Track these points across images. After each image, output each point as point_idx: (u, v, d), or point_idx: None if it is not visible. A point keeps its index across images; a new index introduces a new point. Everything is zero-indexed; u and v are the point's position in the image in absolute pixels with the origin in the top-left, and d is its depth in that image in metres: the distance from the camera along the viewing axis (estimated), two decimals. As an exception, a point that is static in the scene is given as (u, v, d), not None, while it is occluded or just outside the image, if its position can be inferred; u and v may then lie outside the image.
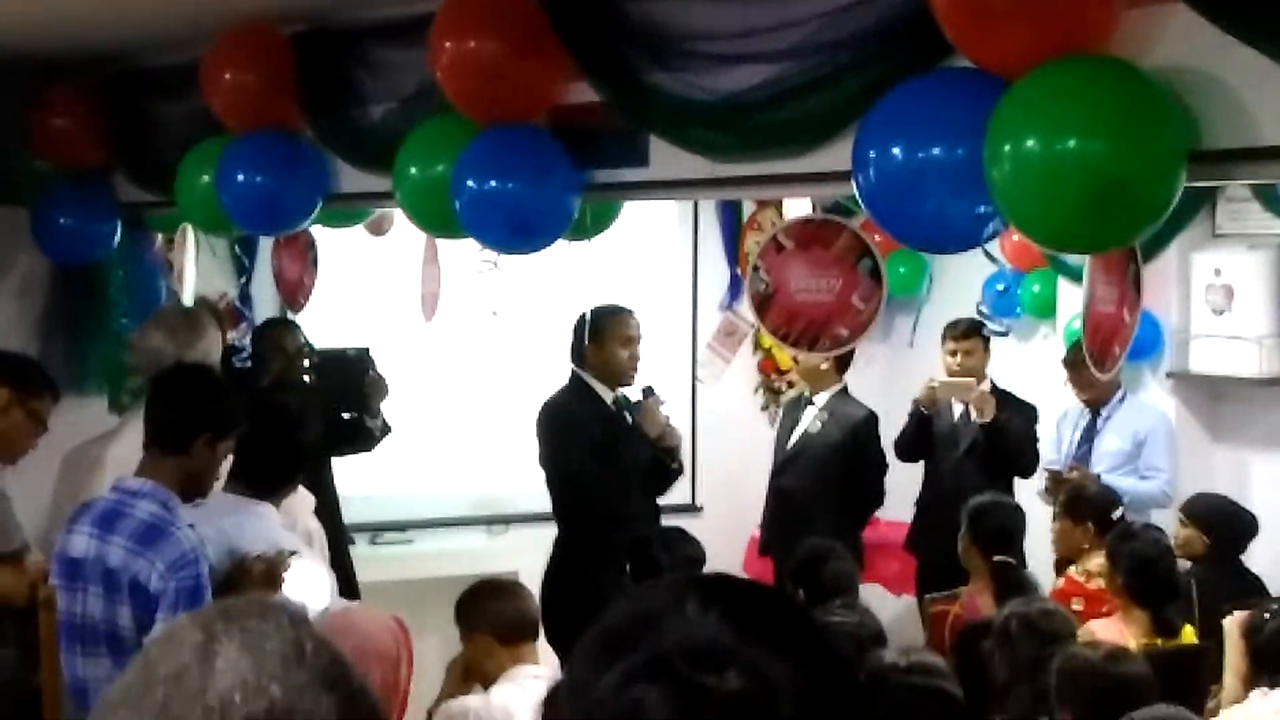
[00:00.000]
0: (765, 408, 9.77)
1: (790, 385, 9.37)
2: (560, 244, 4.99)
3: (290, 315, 7.48)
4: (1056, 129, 3.08)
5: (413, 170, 4.94)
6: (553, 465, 6.79)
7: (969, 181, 3.27)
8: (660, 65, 4.24)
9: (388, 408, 7.28)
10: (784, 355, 9.48)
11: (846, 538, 7.10)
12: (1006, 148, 3.15)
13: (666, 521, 6.85)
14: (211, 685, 1.33)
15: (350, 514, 7.48)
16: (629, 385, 6.80)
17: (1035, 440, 7.91)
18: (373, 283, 8.22)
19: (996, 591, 6.12)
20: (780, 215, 8.85)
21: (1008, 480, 7.75)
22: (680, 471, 7.11)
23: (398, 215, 5.31)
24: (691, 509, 8.61)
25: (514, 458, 7.87)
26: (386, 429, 7.25)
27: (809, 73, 3.83)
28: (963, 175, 3.30)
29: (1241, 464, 8.18)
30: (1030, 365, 8.82)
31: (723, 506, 8.82)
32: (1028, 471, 7.84)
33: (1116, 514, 6.70)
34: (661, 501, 7.09)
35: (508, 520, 8.86)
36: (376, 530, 8.56)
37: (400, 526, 8.71)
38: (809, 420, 7.98)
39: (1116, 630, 5.61)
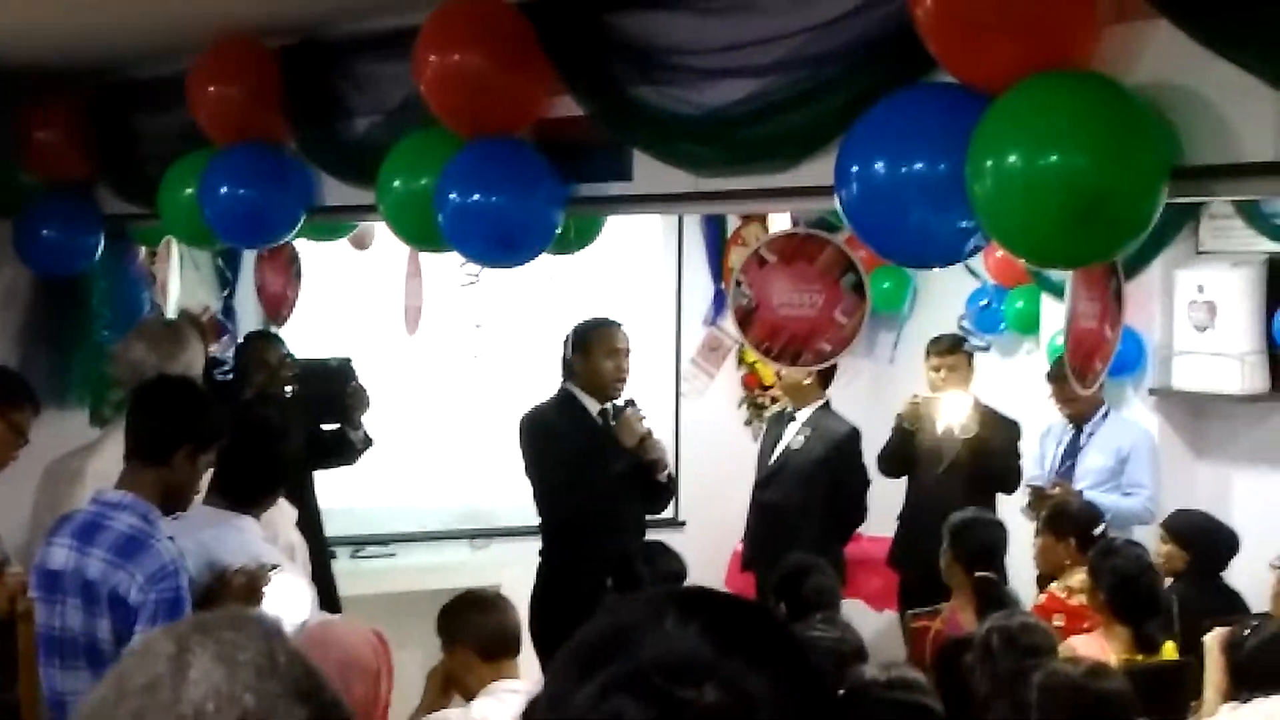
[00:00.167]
0: (749, 423, 9.77)
1: (774, 400, 9.36)
2: (544, 258, 4.99)
3: (273, 329, 7.46)
4: (1038, 144, 3.08)
5: (396, 183, 4.94)
6: (531, 476, 6.81)
7: (951, 196, 3.27)
8: (644, 79, 4.24)
9: (370, 420, 7.26)
10: (768, 370, 9.49)
11: (829, 553, 7.11)
12: (989, 163, 3.15)
13: (649, 536, 6.84)
14: (185, 695, 1.33)
15: (332, 527, 7.46)
16: (616, 398, 6.79)
17: (1018, 456, 7.92)
18: (356, 296, 8.21)
19: (978, 607, 6.12)
20: (765, 230, 8.86)
21: (990, 496, 7.75)
22: (671, 485, 7.10)
23: (380, 229, 5.30)
24: (674, 523, 8.60)
25: (497, 471, 7.87)
26: (368, 441, 7.23)
27: (793, 87, 3.83)
28: (945, 190, 3.30)
29: (1224, 480, 8.20)
30: (1013, 381, 8.82)
31: (705, 521, 8.82)
32: (1010, 487, 7.84)
33: (1098, 530, 6.70)
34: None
35: (491, 534, 8.84)
36: (359, 543, 8.54)
37: (383, 540, 8.69)
38: (792, 435, 7.98)
39: (1098, 646, 5.61)
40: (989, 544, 6.50)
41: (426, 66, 4.63)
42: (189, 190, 5.78)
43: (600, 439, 6.70)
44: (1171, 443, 8.27)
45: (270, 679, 1.37)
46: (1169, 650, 5.73)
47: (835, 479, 7.84)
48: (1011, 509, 7.64)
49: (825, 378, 7.87)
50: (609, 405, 6.78)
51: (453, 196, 4.68)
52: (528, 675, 5.00)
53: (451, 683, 5.02)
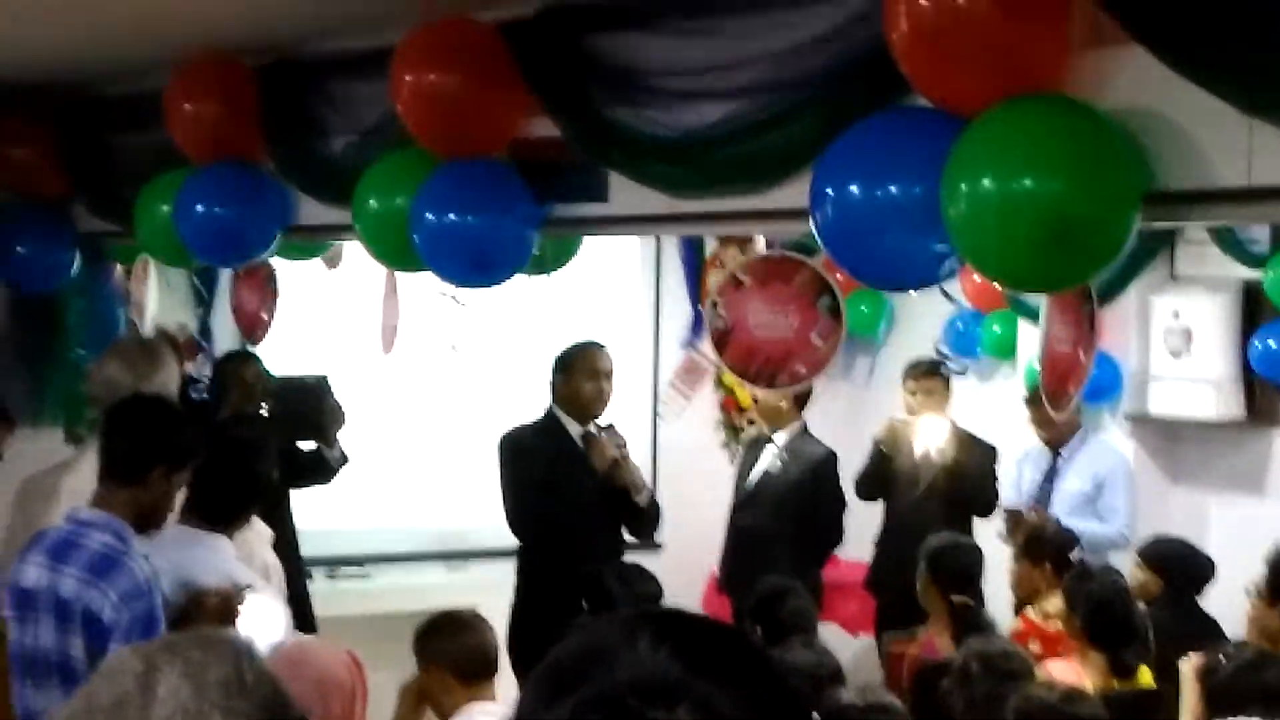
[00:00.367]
0: (726, 445, 9.77)
1: (751, 423, 9.37)
2: (521, 279, 4.99)
3: (250, 347, 7.45)
4: (1012, 168, 3.08)
5: (372, 203, 4.94)
6: (503, 495, 6.81)
7: (926, 220, 3.27)
8: (621, 100, 4.25)
9: (347, 440, 7.25)
10: (745, 393, 9.47)
11: (806, 576, 7.10)
12: (963, 186, 3.16)
13: (626, 558, 6.83)
14: (152, 713, 1.33)
15: (309, 548, 7.45)
16: (597, 419, 6.79)
17: (995, 480, 7.93)
18: (332, 315, 8.20)
19: (955, 632, 6.12)
20: (743, 252, 8.86)
21: (967, 520, 7.76)
22: (652, 510, 7.04)
23: (351, 248, 5.30)
24: (651, 546, 8.58)
25: (475, 492, 7.85)
26: (344, 459, 7.22)
27: (768, 110, 3.84)
28: (920, 213, 3.30)
29: (1199, 506, 8.22)
30: (990, 405, 8.84)
31: (682, 544, 8.80)
32: (987, 511, 7.85)
33: (1074, 555, 6.71)
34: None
35: (467, 555, 8.82)
36: (335, 564, 8.51)
37: (359, 561, 8.66)
38: (769, 459, 7.98)
39: (1073, 671, 5.61)
40: (965, 568, 6.50)
41: (403, 86, 4.63)
42: (165, 208, 5.77)
43: (578, 461, 6.69)
44: (1147, 468, 8.29)
45: (238, 697, 1.37)
46: (1145, 676, 5.73)
47: (812, 502, 7.83)
48: (988, 533, 7.64)
49: (801, 401, 7.87)
50: (591, 427, 6.78)
51: (428, 217, 4.68)
52: (507, 696, 4.98)
53: (427, 702, 5.00)
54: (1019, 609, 6.82)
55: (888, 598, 7.88)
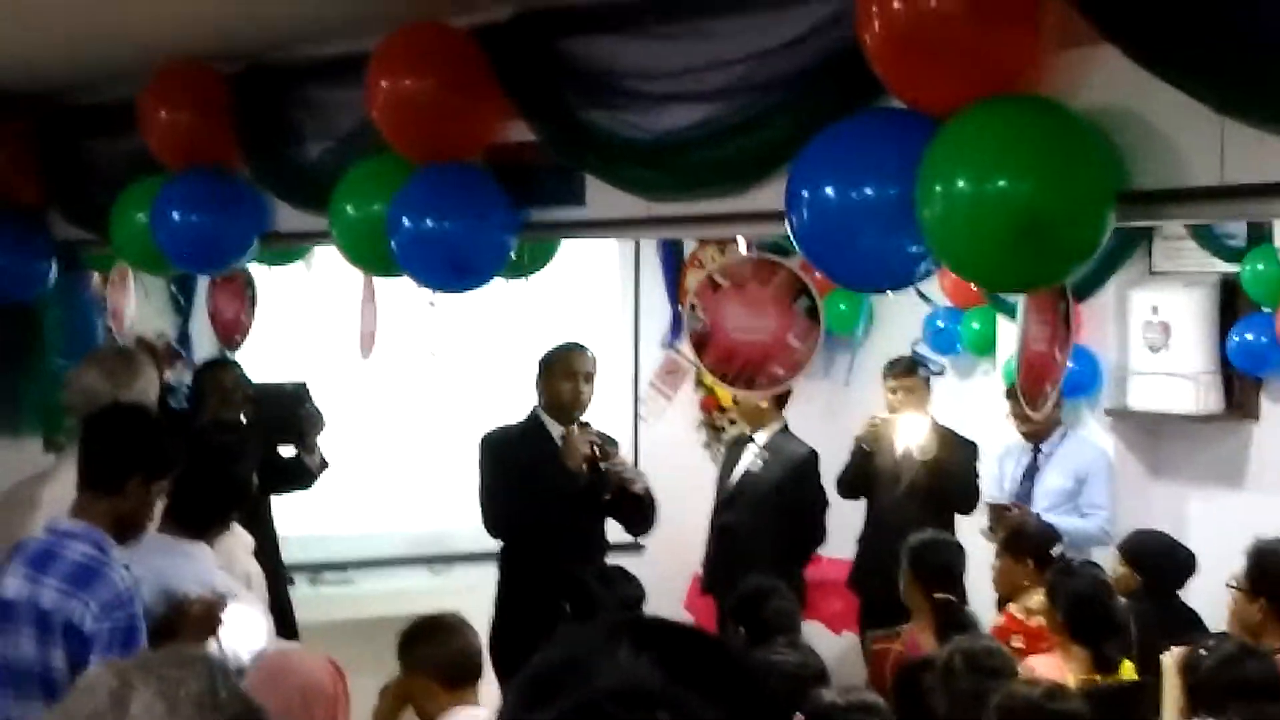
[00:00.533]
0: (707, 445, 9.77)
1: (732, 423, 9.37)
2: (499, 282, 4.99)
3: (228, 354, 7.44)
4: (986, 169, 3.09)
5: (349, 209, 4.93)
6: (480, 495, 6.83)
7: (900, 221, 3.28)
8: (596, 104, 4.25)
9: (327, 446, 7.25)
10: (725, 393, 9.47)
11: (788, 576, 7.10)
12: (937, 187, 3.16)
13: (608, 560, 6.83)
14: (126, 730, 1.33)
15: (290, 554, 7.44)
16: (576, 420, 6.80)
17: (976, 477, 7.94)
18: (310, 320, 8.18)
19: (938, 629, 6.13)
20: (722, 252, 8.87)
21: (949, 517, 7.77)
22: (647, 499, 7.01)
23: (332, 253, 5.29)
24: (633, 547, 8.55)
25: (455, 496, 7.84)
26: (324, 465, 7.22)
27: (743, 112, 3.84)
28: (894, 215, 3.31)
29: (1180, 500, 8.25)
30: (971, 402, 8.86)
31: (664, 545, 8.77)
32: (969, 508, 7.86)
33: (1056, 551, 6.72)
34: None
35: (450, 559, 8.81)
36: (316, 570, 8.50)
37: (341, 566, 8.65)
38: (750, 459, 7.99)
39: (1056, 667, 5.62)
40: (947, 565, 6.51)
41: (378, 92, 4.63)
42: (141, 216, 5.76)
43: (558, 462, 6.70)
44: (1127, 462, 8.31)
45: (211, 713, 1.37)
46: (1127, 670, 5.75)
47: (794, 501, 7.85)
48: (970, 530, 7.66)
49: (781, 400, 7.89)
50: (572, 428, 6.79)
51: (405, 222, 4.67)
52: (489, 699, 4.98)
53: (410, 705, 4.99)
54: (1001, 605, 6.82)
55: (870, 595, 7.89)
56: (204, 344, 8.11)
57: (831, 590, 8.60)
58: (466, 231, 4.66)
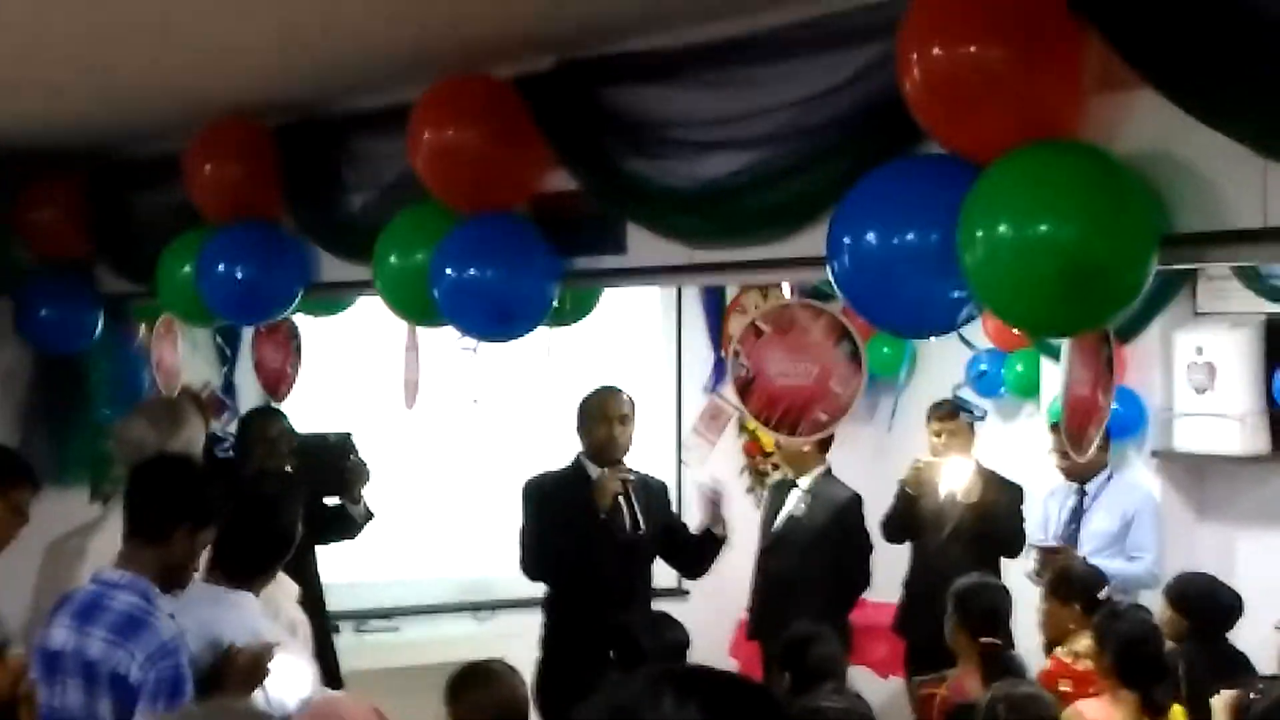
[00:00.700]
0: (751, 490, 9.76)
1: (775, 467, 9.36)
2: (542, 330, 5.01)
3: (274, 404, 7.47)
4: (1028, 214, 3.09)
5: (392, 259, 4.96)
6: (521, 540, 6.85)
7: (943, 267, 3.28)
8: (638, 152, 4.27)
9: (371, 494, 7.26)
10: (768, 437, 9.47)
11: (834, 620, 7.07)
12: (979, 233, 3.16)
13: (653, 605, 6.83)
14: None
15: (335, 602, 7.46)
16: (615, 463, 6.80)
17: (1022, 520, 7.90)
18: (355, 371, 8.22)
19: (984, 673, 6.09)
20: (764, 297, 8.87)
21: (995, 561, 7.73)
22: (715, 538, 7.08)
23: (376, 303, 5.32)
24: (678, 592, 8.57)
25: (500, 543, 7.84)
26: (369, 515, 7.24)
27: (784, 159, 3.86)
28: (937, 260, 3.31)
29: (1227, 541, 8.19)
30: (1015, 445, 8.81)
31: (709, 590, 8.77)
32: (1014, 551, 7.82)
33: (1103, 594, 6.68)
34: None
35: (495, 606, 8.82)
36: (362, 618, 8.52)
37: (386, 614, 8.68)
38: (794, 503, 7.97)
39: (1105, 711, 5.58)
40: (993, 609, 6.47)
41: (421, 143, 4.67)
42: (186, 268, 5.80)
43: (589, 507, 6.70)
44: (1173, 504, 8.27)
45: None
46: (1177, 715, 5.70)
47: (839, 545, 7.82)
48: (1016, 573, 7.62)
49: (824, 444, 7.86)
50: (604, 470, 6.80)
51: (448, 272, 4.70)
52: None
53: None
54: (1049, 649, 6.78)
55: (916, 640, 7.86)
56: (249, 394, 8.14)
57: (877, 635, 8.56)
58: (509, 280, 4.68)
